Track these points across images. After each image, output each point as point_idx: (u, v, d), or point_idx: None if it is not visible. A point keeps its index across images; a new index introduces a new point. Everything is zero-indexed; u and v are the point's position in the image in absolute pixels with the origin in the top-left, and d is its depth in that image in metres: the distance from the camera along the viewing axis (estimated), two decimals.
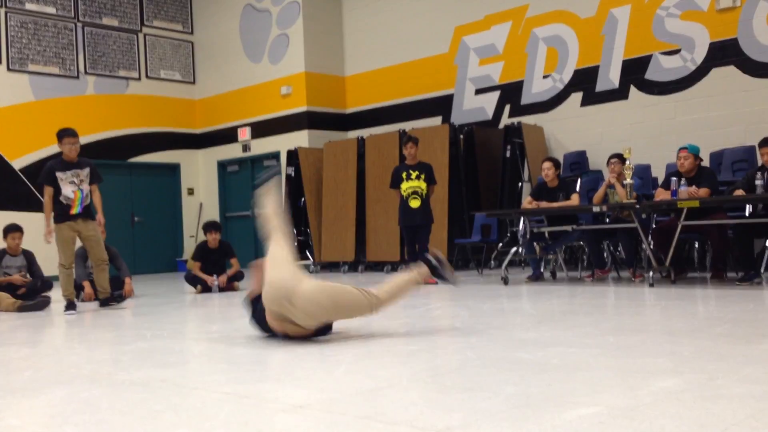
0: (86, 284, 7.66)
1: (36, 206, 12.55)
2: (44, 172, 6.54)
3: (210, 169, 14.70)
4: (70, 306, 6.51)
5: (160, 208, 14.28)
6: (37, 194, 12.60)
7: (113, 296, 6.89)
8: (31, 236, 8.44)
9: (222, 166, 14.52)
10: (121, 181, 13.43)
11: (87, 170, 6.64)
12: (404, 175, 8.02)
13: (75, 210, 6.49)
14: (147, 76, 14.09)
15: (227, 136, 14.22)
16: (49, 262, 10.43)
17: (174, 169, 14.58)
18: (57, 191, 6.49)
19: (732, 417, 2.13)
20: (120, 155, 13.37)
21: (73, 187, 6.50)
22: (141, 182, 14.03)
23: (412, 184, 7.97)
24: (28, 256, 7.55)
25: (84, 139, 13.05)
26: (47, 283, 7.49)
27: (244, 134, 13.86)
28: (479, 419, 2.21)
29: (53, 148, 12.80)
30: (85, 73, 13.23)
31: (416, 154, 8.09)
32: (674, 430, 2.01)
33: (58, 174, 6.50)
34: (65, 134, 6.60)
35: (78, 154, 6.63)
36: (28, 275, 7.43)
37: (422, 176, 7.98)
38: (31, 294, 7.18)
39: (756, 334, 3.66)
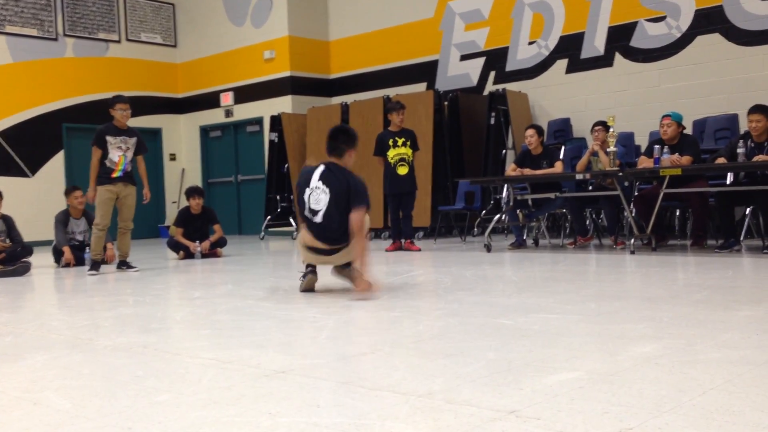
0: (66, 249, 7.65)
1: (14, 171, 12.42)
2: (96, 135, 6.76)
3: (192, 134, 14.56)
4: (95, 266, 6.75)
5: None
6: (17, 159, 12.46)
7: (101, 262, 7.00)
8: (11, 201, 8.35)
9: (204, 131, 14.38)
10: None
11: (134, 140, 6.87)
12: (390, 142, 7.97)
13: (116, 174, 6.73)
14: (127, 39, 13.85)
15: (209, 100, 14.06)
16: (28, 226, 10.36)
17: (155, 134, 14.42)
18: (104, 154, 6.72)
19: (710, 382, 2.16)
20: (100, 119, 12.99)
21: (119, 152, 6.73)
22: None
23: (399, 151, 7.94)
24: (8, 221, 7.46)
25: (63, 103, 12.92)
26: (27, 249, 7.43)
27: (227, 99, 13.71)
28: (461, 384, 2.23)
29: (31, 112, 12.65)
30: (64, 35, 12.98)
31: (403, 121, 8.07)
32: (653, 395, 2.03)
33: (108, 138, 6.72)
34: (118, 100, 6.83)
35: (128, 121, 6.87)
36: (7, 240, 7.35)
37: (408, 143, 7.95)
38: (10, 259, 7.11)
39: (734, 300, 3.71)
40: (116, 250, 7.12)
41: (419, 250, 7.98)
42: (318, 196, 4.35)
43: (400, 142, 7.94)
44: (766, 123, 6.32)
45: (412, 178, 7.99)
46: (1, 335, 3.54)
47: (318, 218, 4.34)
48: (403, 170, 7.94)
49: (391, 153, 7.93)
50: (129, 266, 6.91)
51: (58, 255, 7.81)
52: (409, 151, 7.94)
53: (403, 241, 8.08)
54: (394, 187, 7.99)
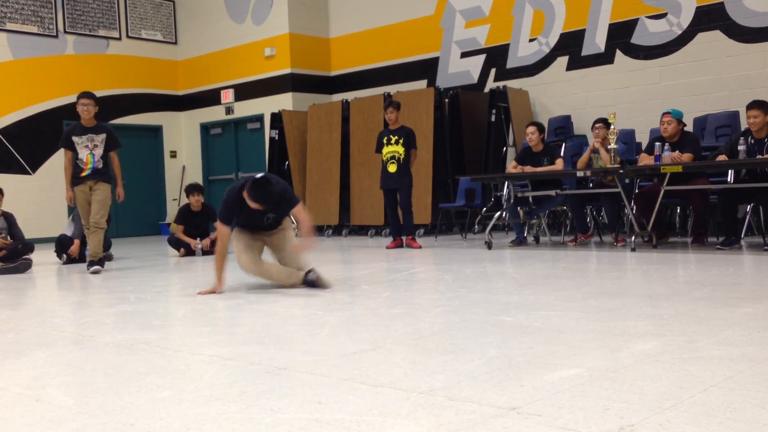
0: (77, 242, 7.66)
1: (15, 168, 12.43)
2: (63, 136, 6.80)
3: (193, 131, 14.56)
4: (98, 263, 6.71)
5: (143, 170, 14.16)
6: (18, 156, 12.48)
7: (103, 259, 6.94)
8: (11, 198, 8.35)
9: (205, 128, 14.38)
10: None
11: (103, 136, 6.81)
12: (385, 140, 8.13)
13: (85, 173, 6.69)
14: (128, 36, 13.84)
15: (210, 98, 14.05)
16: (29, 224, 10.36)
17: (156, 132, 14.42)
18: (75, 155, 6.74)
19: (710, 378, 2.16)
20: (101, 117, 13.03)
21: (86, 151, 6.71)
22: (123, 144, 13.84)
23: (391, 148, 8.06)
24: (9, 218, 7.46)
25: (64, 100, 12.91)
26: (28, 246, 7.42)
27: (227, 96, 13.71)
28: (462, 381, 2.23)
29: (32, 109, 12.66)
30: (65, 32, 12.98)
31: (397, 119, 8.11)
32: (654, 392, 2.04)
33: (75, 138, 6.72)
34: (81, 95, 6.83)
35: (94, 116, 6.82)
36: (8, 237, 7.36)
37: (401, 141, 8.03)
38: (12, 256, 7.12)
39: (734, 297, 3.71)
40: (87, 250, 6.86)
41: (420, 247, 7.99)
42: None
43: (393, 139, 8.06)
44: (764, 118, 6.32)
45: (402, 176, 8.04)
46: (2, 332, 3.54)
47: None
48: (392, 168, 8.05)
49: (384, 150, 8.12)
50: (93, 264, 6.58)
51: (61, 248, 7.81)
52: (401, 149, 8.02)
53: (404, 238, 8.12)
54: (384, 183, 8.20)
